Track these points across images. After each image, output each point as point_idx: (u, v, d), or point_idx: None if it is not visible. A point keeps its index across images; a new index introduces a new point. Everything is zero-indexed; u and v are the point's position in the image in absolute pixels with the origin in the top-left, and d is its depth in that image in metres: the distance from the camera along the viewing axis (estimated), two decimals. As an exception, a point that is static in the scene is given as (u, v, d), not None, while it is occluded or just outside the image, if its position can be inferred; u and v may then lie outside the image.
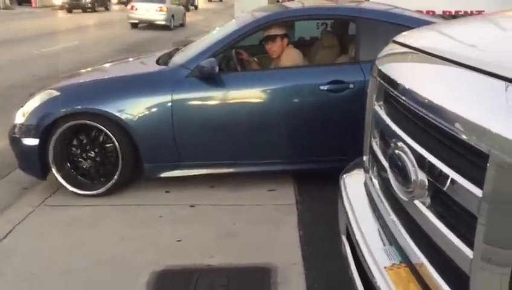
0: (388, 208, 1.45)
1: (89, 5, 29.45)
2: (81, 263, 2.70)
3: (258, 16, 3.65)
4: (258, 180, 3.75)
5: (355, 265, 1.54)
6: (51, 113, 3.39)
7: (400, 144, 1.32)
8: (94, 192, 3.52)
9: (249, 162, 3.57)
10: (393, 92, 1.42)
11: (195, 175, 3.58)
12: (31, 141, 3.41)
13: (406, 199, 1.26)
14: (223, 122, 3.46)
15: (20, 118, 3.49)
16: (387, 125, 1.44)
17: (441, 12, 6.65)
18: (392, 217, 1.40)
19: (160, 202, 3.48)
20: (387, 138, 1.46)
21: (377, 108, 1.59)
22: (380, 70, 1.60)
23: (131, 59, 4.69)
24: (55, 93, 3.52)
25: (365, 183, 1.84)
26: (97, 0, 30.71)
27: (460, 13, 6.74)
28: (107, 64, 4.58)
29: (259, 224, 3.16)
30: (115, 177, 3.47)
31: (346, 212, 1.67)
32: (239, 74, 3.73)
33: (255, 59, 4.17)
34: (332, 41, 4.13)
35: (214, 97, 3.46)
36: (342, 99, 3.40)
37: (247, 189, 3.65)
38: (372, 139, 1.67)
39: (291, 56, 3.72)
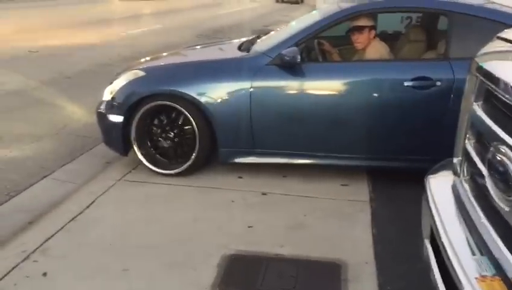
0: (482, 216, 1.36)
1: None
2: (156, 239, 2.80)
3: (344, 6, 3.56)
4: (331, 173, 3.69)
5: (440, 272, 1.46)
6: (135, 93, 3.52)
7: (502, 147, 1.23)
8: (171, 171, 3.63)
9: (324, 154, 3.51)
10: (498, 92, 1.32)
11: (268, 163, 3.59)
12: (116, 118, 3.56)
13: (507, 208, 1.17)
14: (300, 112, 3.42)
15: (107, 95, 3.65)
16: (489, 127, 1.34)
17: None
18: (486, 226, 1.31)
19: (233, 187, 3.53)
20: (486, 140, 1.37)
21: (476, 108, 1.49)
22: (482, 68, 1.50)
23: (212, 45, 4.76)
24: (141, 73, 3.65)
25: (453, 187, 1.74)
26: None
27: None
28: (190, 49, 4.68)
29: (331, 218, 3.11)
30: (192, 158, 3.55)
31: (432, 216, 1.59)
32: (321, 64, 3.67)
33: (337, 50, 4.09)
34: (419, 35, 3.94)
35: (293, 86, 3.43)
36: (426, 97, 3.25)
37: (319, 182, 3.61)
38: (467, 140, 1.56)
39: (376, 49, 3.61)
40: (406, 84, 3.25)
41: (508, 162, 1.16)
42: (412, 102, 3.29)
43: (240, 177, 3.67)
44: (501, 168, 1.19)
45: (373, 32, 3.67)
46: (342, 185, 3.57)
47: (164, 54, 4.51)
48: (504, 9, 3.44)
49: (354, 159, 3.51)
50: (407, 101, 3.29)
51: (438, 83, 3.21)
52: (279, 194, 3.43)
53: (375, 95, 3.34)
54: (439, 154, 3.27)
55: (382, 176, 3.64)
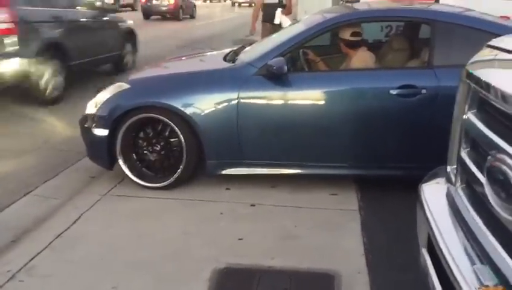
0: (481, 224, 1.36)
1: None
2: (145, 255, 2.74)
3: (330, 16, 3.58)
4: (319, 183, 3.68)
5: (439, 281, 1.45)
6: (121, 106, 3.47)
7: (501, 156, 1.23)
8: (157, 185, 3.57)
9: (312, 164, 3.51)
10: (493, 101, 1.32)
11: (256, 174, 3.57)
12: (101, 132, 3.50)
13: (509, 217, 1.17)
14: (288, 122, 3.42)
15: (91, 108, 3.59)
16: (486, 135, 1.34)
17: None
18: (486, 235, 1.31)
19: (221, 199, 3.49)
20: (484, 149, 1.37)
21: (471, 116, 1.50)
22: (475, 77, 1.50)
23: (197, 55, 4.74)
24: (126, 86, 3.61)
25: (448, 195, 1.74)
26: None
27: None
28: (174, 60, 4.65)
29: (321, 228, 3.09)
30: (179, 171, 3.51)
31: (429, 225, 1.58)
32: (307, 74, 3.68)
33: (320, 60, 4.10)
34: (402, 44, 3.99)
35: (280, 97, 3.42)
36: (412, 105, 3.28)
37: (308, 191, 3.60)
38: (462, 149, 1.57)
39: (363, 58, 3.63)
40: (392, 92, 3.27)
41: (509, 171, 1.16)
42: (398, 110, 3.31)
43: (228, 189, 3.63)
44: (502, 177, 1.18)
45: (360, 42, 3.69)
46: (331, 194, 3.57)
47: (151, 65, 4.47)
48: (486, 17, 3.51)
49: (343, 168, 3.51)
50: (394, 110, 3.32)
51: (424, 91, 3.24)
52: (268, 205, 3.41)
53: (362, 103, 3.36)
54: (425, 162, 3.32)
55: (370, 185, 3.64)
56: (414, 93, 3.25)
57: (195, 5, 25.48)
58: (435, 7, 3.70)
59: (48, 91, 6.13)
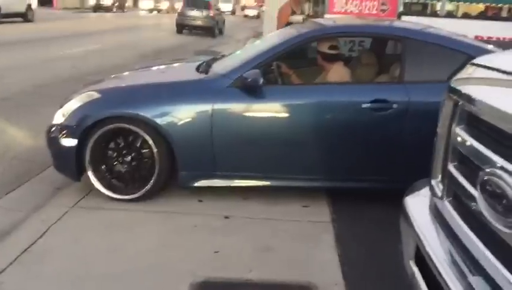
0: (472, 236, 1.40)
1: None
2: (119, 268, 2.66)
3: (306, 30, 3.63)
4: (291, 195, 3.70)
5: (432, 293, 1.48)
6: (91, 115, 3.38)
7: (496, 170, 1.27)
8: (128, 197, 3.49)
9: (285, 176, 3.53)
10: (486, 116, 1.38)
11: (228, 186, 3.55)
12: (70, 142, 3.39)
13: (507, 230, 1.21)
14: (262, 134, 3.43)
15: (59, 118, 3.47)
16: (477, 150, 1.39)
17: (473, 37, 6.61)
18: (479, 247, 1.35)
19: (194, 211, 3.44)
20: (475, 163, 1.42)
21: (459, 131, 1.55)
22: (463, 93, 1.56)
23: (167, 65, 4.69)
24: (96, 95, 3.52)
25: (433, 208, 1.79)
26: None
27: (492, 39, 6.70)
28: (144, 70, 4.58)
29: (296, 240, 3.11)
30: (151, 182, 3.44)
31: (418, 238, 1.62)
32: (282, 87, 3.71)
33: (293, 72, 4.14)
34: (371, 59, 4.10)
35: (254, 109, 3.43)
36: (384, 119, 3.36)
37: (280, 203, 3.61)
38: (449, 163, 1.62)
39: (339, 72, 3.70)
40: (364, 106, 3.34)
41: (504, 185, 1.20)
42: (370, 124, 3.39)
43: (200, 201, 3.59)
44: (497, 191, 1.23)
45: (336, 56, 3.76)
46: (303, 206, 3.59)
47: (113, 75, 4.37)
48: (456, 37, 3.65)
49: (315, 180, 3.55)
50: (365, 123, 3.39)
51: (395, 106, 3.33)
52: (241, 217, 3.39)
53: (335, 117, 3.41)
54: (396, 174, 3.43)
55: (342, 196, 3.70)
56: (386, 107, 3.34)
57: None
58: (407, 25, 3.82)
59: None
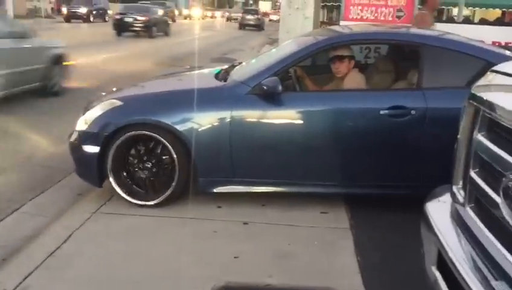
0: (496, 242, 1.41)
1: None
2: (141, 273, 2.71)
3: (324, 37, 3.67)
4: (309, 201, 3.72)
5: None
6: (112, 123, 3.45)
7: (518, 177, 1.29)
8: (148, 202, 3.54)
9: (303, 182, 3.55)
10: (508, 123, 1.39)
11: (247, 192, 3.58)
12: (92, 149, 3.46)
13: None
14: (280, 141, 3.46)
15: (82, 125, 3.55)
16: (500, 156, 1.41)
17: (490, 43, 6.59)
18: (502, 252, 1.36)
19: (213, 217, 3.48)
20: (498, 169, 1.43)
21: (481, 138, 1.57)
22: (483, 100, 1.58)
23: (186, 73, 4.76)
24: (118, 103, 3.59)
25: (454, 214, 1.80)
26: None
27: (510, 44, 6.67)
28: (164, 78, 4.65)
29: (315, 246, 3.12)
30: (171, 188, 3.49)
31: (441, 244, 1.63)
32: (300, 93, 3.75)
33: (308, 77, 4.17)
34: (388, 66, 4.11)
35: (273, 116, 3.47)
36: (402, 125, 3.37)
37: (299, 209, 3.63)
38: (471, 169, 1.63)
39: (355, 79, 3.72)
40: (382, 112, 3.36)
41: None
42: (388, 130, 3.40)
43: (219, 207, 3.63)
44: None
45: (352, 63, 3.79)
46: (322, 212, 3.61)
47: (142, 81, 4.44)
48: (475, 43, 3.65)
49: (333, 186, 3.57)
50: (384, 130, 3.40)
51: (413, 112, 3.34)
52: (260, 223, 3.42)
53: (353, 123, 3.43)
54: (414, 181, 3.44)
55: (359, 203, 3.71)
56: (404, 114, 3.35)
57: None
58: (424, 31, 3.84)
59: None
